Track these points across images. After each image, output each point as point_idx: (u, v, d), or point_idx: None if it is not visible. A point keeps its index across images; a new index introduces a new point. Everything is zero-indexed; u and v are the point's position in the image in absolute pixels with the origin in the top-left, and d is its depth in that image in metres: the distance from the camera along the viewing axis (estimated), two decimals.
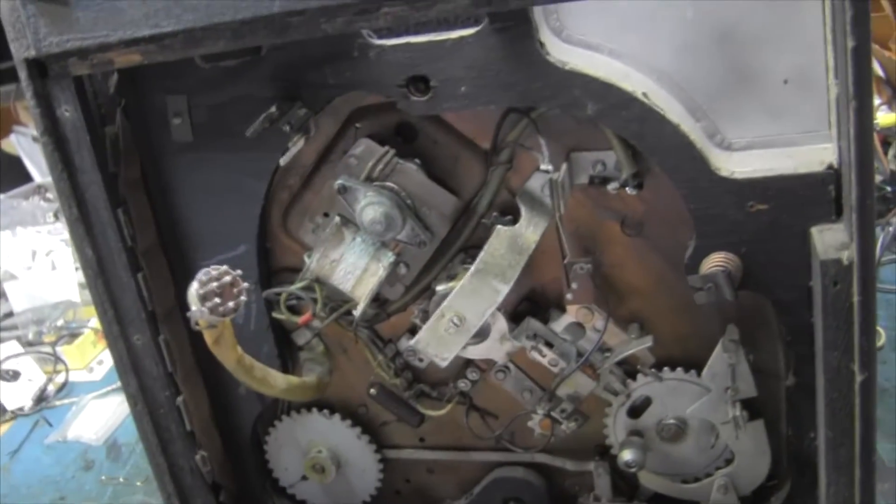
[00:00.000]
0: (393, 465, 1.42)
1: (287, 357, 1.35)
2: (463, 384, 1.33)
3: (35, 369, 2.54)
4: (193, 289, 1.04)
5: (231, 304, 1.04)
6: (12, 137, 3.82)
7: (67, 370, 2.50)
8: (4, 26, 1.13)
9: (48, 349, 2.60)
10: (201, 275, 1.04)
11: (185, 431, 1.34)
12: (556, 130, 1.14)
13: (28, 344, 2.69)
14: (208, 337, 1.10)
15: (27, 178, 3.57)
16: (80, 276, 2.85)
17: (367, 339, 1.32)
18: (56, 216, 3.08)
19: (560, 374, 1.24)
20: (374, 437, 1.41)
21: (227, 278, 1.04)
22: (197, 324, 1.07)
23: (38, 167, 3.64)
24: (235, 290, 1.05)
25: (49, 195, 3.26)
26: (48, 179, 3.40)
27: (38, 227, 2.99)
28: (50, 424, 2.31)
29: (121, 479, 2.01)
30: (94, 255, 1.23)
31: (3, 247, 2.92)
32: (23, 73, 1.15)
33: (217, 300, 1.04)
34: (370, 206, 1.14)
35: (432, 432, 1.41)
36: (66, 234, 2.94)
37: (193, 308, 1.05)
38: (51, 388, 2.46)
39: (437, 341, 1.20)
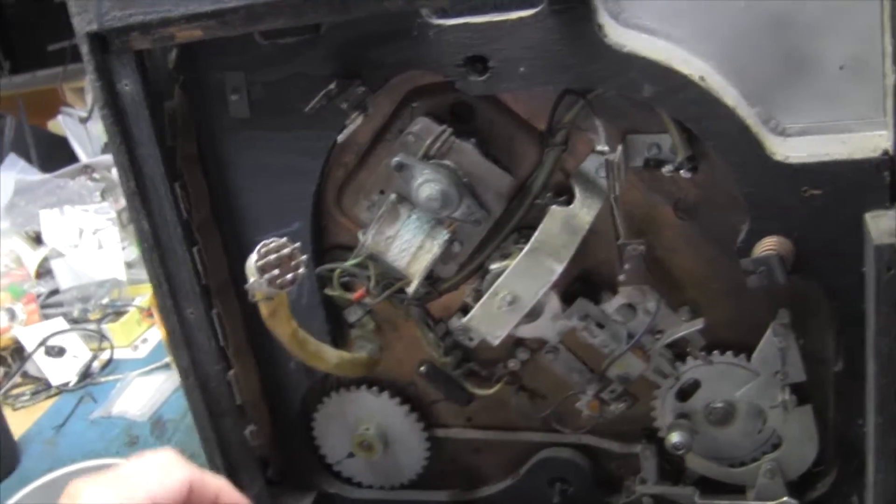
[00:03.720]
0: (440, 444, 1.44)
1: (338, 334, 1.37)
2: (513, 364, 1.34)
3: (80, 346, 2.56)
4: (252, 260, 1.06)
5: (289, 275, 1.06)
6: (59, 118, 3.85)
7: (112, 347, 2.52)
8: (67, 1, 1.15)
9: (93, 326, 2.62)
10: (260, 246, 1.05)
11: (235, 405, 1.37)
12: (611, 112, 1.16)
13: (73, 321, 2.71)
14: (264, 310, 1.12)
15: (74, 158, 3.59)
16: (126, 255, 2.87)
17: (417, 317, 1.33)
18: (103, 196, 3.10)
19: (610, 356, 1.26)
20: (422, 416, 1.43)
21: (286, 250, 1.06)
22: (254, 296, 1.08)
23: (84, 148, 3.67)
24: (293, 263, 1.07)
25: (95, 175, 3.29)
26: (95, 159, 3.42)
27: (85, 206, 3.01)
28: (95, 400, 2.33)
29: None
30: (150, 228, 1.26)
31: (50, 225, 2.94)
32: (85, 48, 1.17)
33: (275, 272, 1.05)
34: (427, 184, 1.16)
35: (480, 412, 1.43)
36: (112, 214, 2.96)
37: (251, 279, 1.06)
38: (96, 364, 2.48)
39: (490, 319, 1.22)
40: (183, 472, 1.04)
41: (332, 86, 1.15)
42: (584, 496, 1.42)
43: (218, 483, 1.08)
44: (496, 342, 1.23)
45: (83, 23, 1.15)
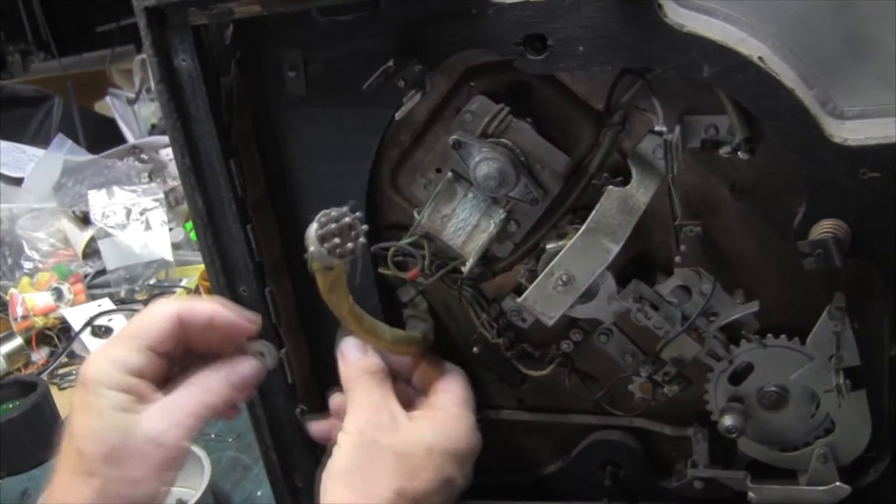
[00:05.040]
0: (491, 425, 1.44)
1: (391, 314, 1.37)
2: (566, 345, 1.34)
3: None
4: (312, 229, 1.06)
5: (349, 245, 1.06)
6: (107, 99, 3.89)
7: None
8: None
9: (140, 307, 2.65)
10: (320, 216, 1.06)
11: (286, 384, 1.39)
12: (669, 93, 1.16)
13: (120, 301, 2.74)
14: (322, 282, 1.12)
15: (121, 139, 3.63)
16: (173, 236, 2.90)
17: (471, 297, 1.34)
18: (150, 176, 3.13)
19: (664, 338, 1.26)
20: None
21: (346, 220, 1.06)
22: (312, 266, 1.09)
23: (131, 129, 3.70)
24: (353, 233, 1.07)
25: (143, 156, 3.32)
26: (142, 140, 3.45)
27: (133, 186, 3.04)
28: None
29: (212, 436, 2.04)
30: (204, 205, 1.28)
31: (98, 206, 2.97)
32: (142, 22, 1.18)
33: (336, 240, 1.05)
34: (485, 162, 1.17)
35: (532, 393, 1.43)
36: (160, 194, 2.99)
37: (311, 248, 1.06)
38: None
39: (545, 299, 1.22)
40: (169, 306, 1.19)
41: (389, 63, 1.15)
42: (635, 479, 1.43)
43: (209, 307, 1.21)
44: (550, 322, 1.24)
45: None
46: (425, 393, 1.31)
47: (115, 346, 1.17)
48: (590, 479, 1.44)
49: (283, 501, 1.47)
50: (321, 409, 1.39)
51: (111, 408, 1.11)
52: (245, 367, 1.23)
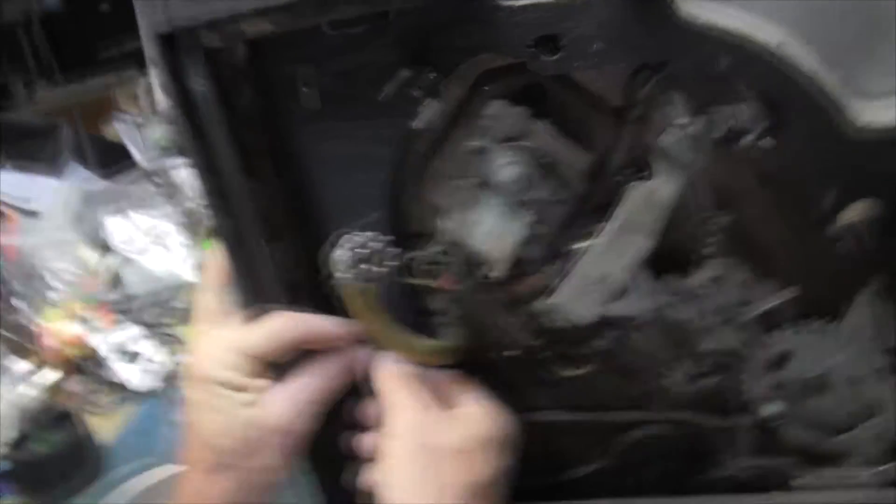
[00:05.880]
0: (529, 427, 1.41)
1: (422, 323, 1.37)
2: (601, 343, 1.33)
3: (156, 350, 2.60)
4: (338, 254, 1.06)
5: (377, 270, 1.06)
6: (115, 124, 3.88)
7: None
8: (135, 2, 1.16)
9: (168, 330, 2.65)
10: (346, 241, 1.06)
11: None
12: (688, 85, 1.15)
13: (147, 325, 2.74)
14: (353, 306, 1.13)
15: (132, 163, 3.62)
16: (194, 257, 2.90)
17: (502, 301, 1.33)
18: (166, 199, 3.13)
19: (700, 330, 1.25)
20: (510, 400, 1.40)
21: (374, 244, 1.06)
22: (342, 291, 1.09)
23: (142, 152, 3.70)
24: (382, 257, 1.07)
25: (157, 179, 3.32)
26: (155, 164, 3.45)
27: (149, 210, 3.05)
28: (175, 403, 2.36)
29: None
30: (228, 226, 1.27)
31: (116, 232, 2.97)
32: (154, 49, 1.18)
33: (364, 267, 1.06)
34: (507, 166, 1.17)
35: (569, 393, 1.42)
36: (177, 216, 2.99)
37: (338, 274, 1.07)
38: (174, 367, 2.51)
39: (578, 300, 1.22)
40: (288, 330, 1.27)
41: (403, 73, 1.15)
42: (679, 472, 1.42)
43: (327, 327, 1.29)
44: (585, 322, 1.24)
45: (151, 24, 1.16)
46: (445, 400, 1.31)
47: (227, 351, 1.25)
48: (633, 476, 1.44)
49: (332, 495, 1.45)
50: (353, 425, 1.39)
51: (232, 405, 1.20)
52: (361, 356, 1.29)
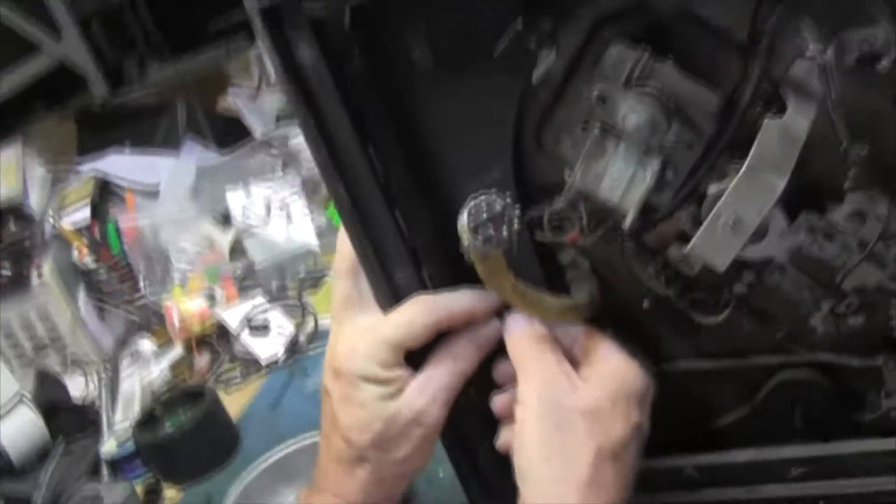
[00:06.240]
0: (669, 377, 1.40)
1: (553, 279, 1.35)
2: (738, 288, 1.30)
3: (284, 320, 2.62)
4: (464, 221, 1.04)
5: (504, 233, 1.04)
6: (228, 97, 3.91)
7: (316, 318, 2.56)
8: None
9: (293, 299, 2.66)
10: (470, 206, 1.04)
11: None
12: (816, 11, 1.11)
13: (273, 296, 2.76)
14: (482, 270, 1.11)
15: (248, 134, 3.65)
16: (316, 224, 2.91)
17: (634, 251, 1.30)
18: (284, 167, 3.15)
19: (843, 267, 1.21)
20: (647, 353, 1.38)
21: (497, 208, 1.04)
22: (469, 257, 1.07)
23: (257, 123, 3.73)
24: (507, 218, 1.05)
25: (273, 150, 3.34)
26: (271, 133, 3.47)
27: (268, 180, 3.06)
28: (307, 374, 2.37)
29: None
30: (347, 195, 1.25)
31: (237, 204, 3.00)
32: (258, 24, 1.16)
33: (490, 231, 1.04)
34: (633, 112, 1.13)
35: (708, 340, 1.39)
36: (297, 184, 3.00)
37: (466, 241, 1.05)
38: (302, 337, 2.52)
39: (714, 245, 1.18)
40: (426, 314, 1.27)
41: (517, 24, 1.12)
42: (826, 416, 1.38)
43: (467, 305, 1.30)
44: (722, 268, 1.20)
45: None
46: (581, 356, 1.30)
47: (368, 344, 1.26)
48: (779, 421, 1.40)
49: (468, 482, 1.44)
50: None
51: (373, 399, 1.21)
52: (491, 331, 1.29)
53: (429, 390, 1.23)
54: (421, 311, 1.26)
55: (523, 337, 1.27)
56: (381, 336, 1.25)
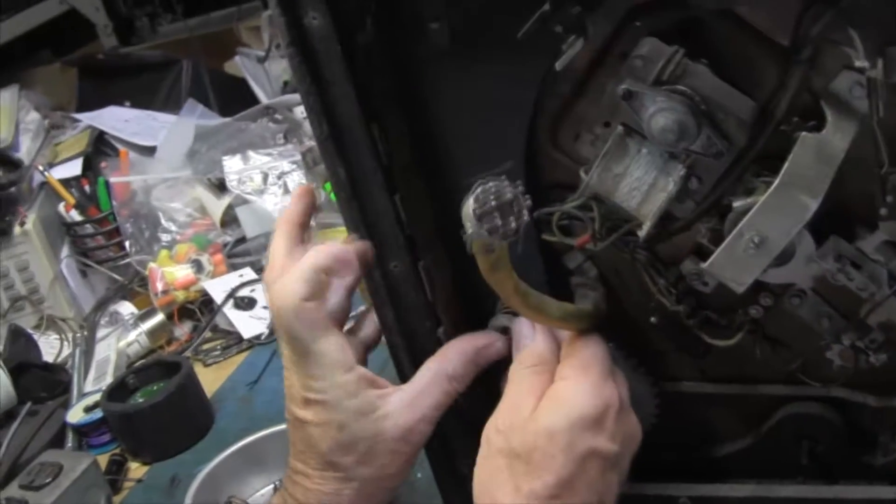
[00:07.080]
0: (671, 398, 1.37)
1: (557, 283, 1.29)
2: (754, 311, 1.24)
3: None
4: (469, 207, 0.98)
5: (512, 224, 0.98)
6: (237, 59, 3.88)
7: None
8: None
9: None
10: (477, 190, 0.98)
11: None
12: (868, 21, 1.03)
13: (262, 270, 2.71)
14: (483, 263, 1.05)
15: (253, 99, 3.61)
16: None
17: (646, 261, 1.25)
18: (286, 137, 3.10)
19: (871, 300, 1.15)
20: (650, 368, 1.35)
21: (507, 196, 0.98)
22: (472, 247, 1.01)
23: (263, 88, 3.69)
24: (516, 209, 0.98)
25: (277, 116, 3.29)
26: (275, 100, 3.43)
27: (268, 149, 3.01)
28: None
29: None
30: (346, 175, 1.20)
31: (233, 171, 2.95)
32: None
33: (496, 220, 0.97)
34: (660, 113, 1.07)
35: (715, 363, 1.34)
36: (297, 156, 2.96)
37: (469, 229, 0.99)
38: None
39: (735, 264, 1.12)
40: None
41: (545, 7, 1.06)
42: (834, 455, 1.33)
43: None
44: (741, 289, 1.14)
45: None
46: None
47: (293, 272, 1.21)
48: (783, 456, 1.35)
49: (446, 487, 1.41)
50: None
51: (354, 418, 1.17)
52: (493, 352, 1.28)
53: (417, 406, 1.21)
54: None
55: (521, 359, 1.23)
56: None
